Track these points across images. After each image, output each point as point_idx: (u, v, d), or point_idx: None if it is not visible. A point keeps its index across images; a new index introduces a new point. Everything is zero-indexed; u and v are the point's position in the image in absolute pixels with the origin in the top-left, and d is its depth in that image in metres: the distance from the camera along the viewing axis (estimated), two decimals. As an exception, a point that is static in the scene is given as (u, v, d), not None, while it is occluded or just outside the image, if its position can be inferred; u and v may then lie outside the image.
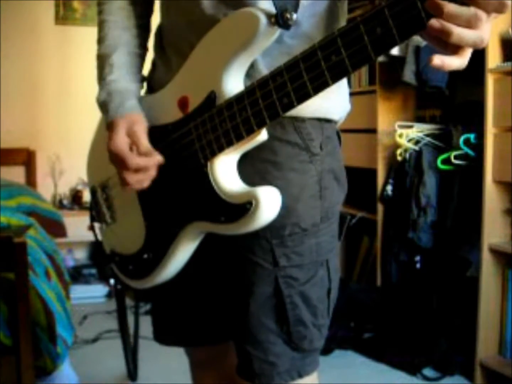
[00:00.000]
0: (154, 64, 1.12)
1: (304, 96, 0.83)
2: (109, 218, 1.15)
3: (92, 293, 3.60)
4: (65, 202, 3.88)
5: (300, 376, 1.01)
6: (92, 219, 1.22)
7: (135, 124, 0.99)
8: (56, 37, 3.91)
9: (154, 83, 1.09)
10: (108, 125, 1.02)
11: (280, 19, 0.83)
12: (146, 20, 1.13)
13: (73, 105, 3.89)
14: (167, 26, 1.05)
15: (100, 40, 1.08)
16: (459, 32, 0.69)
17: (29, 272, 1.61)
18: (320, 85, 0.81)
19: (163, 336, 1.21)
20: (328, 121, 1.00)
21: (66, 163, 3.81)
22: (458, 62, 0.72)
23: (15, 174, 3.67)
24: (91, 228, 1.24)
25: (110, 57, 1.05)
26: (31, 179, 3.81)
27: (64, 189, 3.93)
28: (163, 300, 1.18)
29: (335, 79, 0.80)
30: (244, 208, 0.89)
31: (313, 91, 0.82)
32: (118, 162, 0.98)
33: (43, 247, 2.26)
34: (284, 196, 0.92)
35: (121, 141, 0.98)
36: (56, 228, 2.82)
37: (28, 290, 1.57)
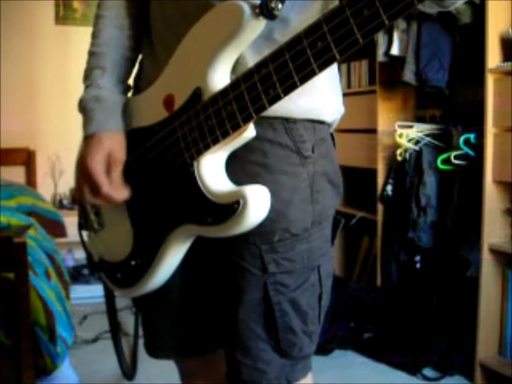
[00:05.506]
0: (141, 64, 1.10)
1: (290, 87, 0.80)
2: (97, 225, 1.12)
3: (92, 293, 3.58)
4: (65, 202, 3.88)
5: (289, 382, 1.00)
6: (80, 227, 1.19)
7: (117, 150, 0.98)
8: (56, 37, 3.91)
9: (142, 82, 1.07)
10: (89, 136, 1.01)
11: (265, 9, 0.80)
12: (141, 20, 1.10)
13: (73, 105, 3.82)
14: (158, 21, 1.02)
15: (94, 36, 1.06)
16: None
17: (29, 272, 1.60)
18: (306, 75, 0.78)
19: (155, 350, 1.17)
20: (321, 122, 0.97)
21: (66, 163, 3.80)
22: None
23: (15, 174, 3.67)
24: (80, 236, 1.21)
25: (102, 59, 1.04)
26: (31, 179, 3.81)
27: (64, 189, 3.93)
28: (152, 313, 1.14)
29: (322, 67, 0.77)
30: (231, 208, 0.85)
31: (300, 81, 0.79)
32: (89, 180, 0.98)
33: (43, 247, 2.26)
34: (275, 200, 0.90)
35: (100, 163, 0.97)
36: (56, 228, 2.82)
37: (28, 290, 1.57)
